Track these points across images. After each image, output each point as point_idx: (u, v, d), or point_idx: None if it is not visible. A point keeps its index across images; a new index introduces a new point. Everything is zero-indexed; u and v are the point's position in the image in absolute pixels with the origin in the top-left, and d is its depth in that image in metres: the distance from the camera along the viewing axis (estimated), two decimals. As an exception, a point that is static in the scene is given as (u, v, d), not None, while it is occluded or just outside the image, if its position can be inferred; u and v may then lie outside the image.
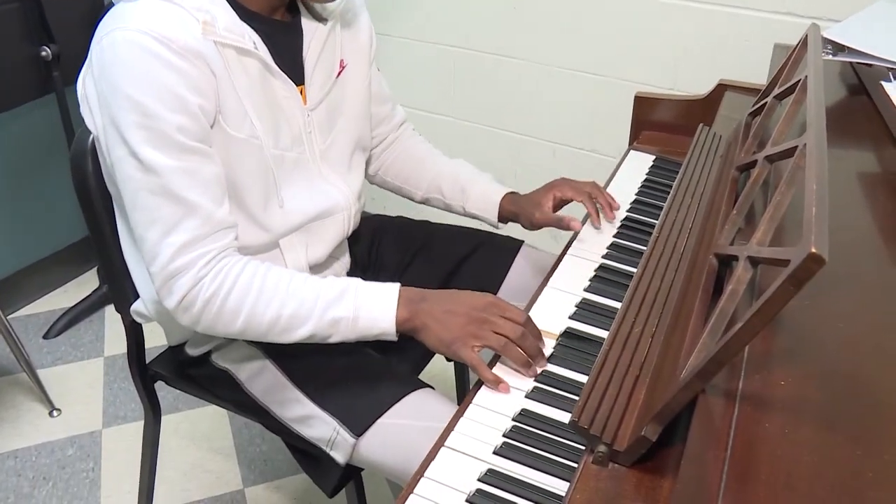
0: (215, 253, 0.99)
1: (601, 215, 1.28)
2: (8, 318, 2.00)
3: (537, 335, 1.00)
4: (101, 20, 0.99)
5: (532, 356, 0.96)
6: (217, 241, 0.99)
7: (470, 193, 1.33)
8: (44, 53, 2.02)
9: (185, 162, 0.96)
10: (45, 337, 2.30)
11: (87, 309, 2.39)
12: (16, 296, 2.41)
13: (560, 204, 1.29)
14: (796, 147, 0.75)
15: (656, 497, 0.69)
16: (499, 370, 0.97)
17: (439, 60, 2.33)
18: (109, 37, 0.94)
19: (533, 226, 1.28)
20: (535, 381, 0.94)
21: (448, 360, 1.40)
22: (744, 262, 0.67)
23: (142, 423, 1.42)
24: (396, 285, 1.04)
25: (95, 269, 2.50)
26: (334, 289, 1.02)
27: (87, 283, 2.51)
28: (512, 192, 1.33)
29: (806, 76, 0.93)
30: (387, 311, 1.01)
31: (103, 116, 0.97)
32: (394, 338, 1.04)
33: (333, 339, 1.03)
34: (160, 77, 0.93)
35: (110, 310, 2.42)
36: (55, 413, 2.01)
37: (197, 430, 1.96)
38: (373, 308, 1.01)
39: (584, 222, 1.27)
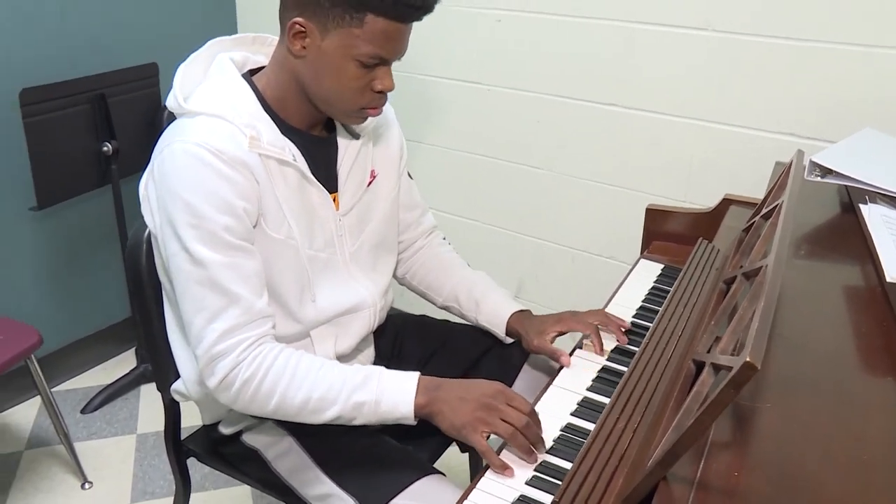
0: (253, 339, 1.10)
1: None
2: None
3: (539, 425, 1.08)
4: (162, 130, 1.15)
5: (534, 444, 1.04)
6: (256, 328, 1.11)
7: (482, 307, 1.40)
8: (105, 149, 2.23)
9: (229, 257, 1.09)
10: (83, 412, 2.41)
11: (123, 387, 2.50)
12: (57, 370, 2.52)
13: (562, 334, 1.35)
14: (762, 267, 0.86)
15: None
16: (503, 456, 1.04)
17: (466, 168, 2.46)
18: (170, 148, 1.09)
19: (530, 350, 1.34)
20: (535, 470, 1.02)
21: (462, 449, 1.48)
22: (708, 367, 0.77)
23: (168, 499, 1.49)
24: (416, 374, 1.13)
25: (134, 349, 2.61)
26: (359, 375, 1.12)
27: (125, 363, 2.64)
28: (521, 311, 1.38)
29: (782, 202, 1.05)
30: (406, 396, 1.11)
31: (161, 216, 1.11)
32: (412, 422, 1.12)
33: (357, 422, 1.12)
34: (211, 184, 1.07)
35: (145, 389, 2.53)
36: (87, 486, 2.10)
37: (220, 509, 2.04)
38: (394, 394, 1.11)
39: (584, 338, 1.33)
